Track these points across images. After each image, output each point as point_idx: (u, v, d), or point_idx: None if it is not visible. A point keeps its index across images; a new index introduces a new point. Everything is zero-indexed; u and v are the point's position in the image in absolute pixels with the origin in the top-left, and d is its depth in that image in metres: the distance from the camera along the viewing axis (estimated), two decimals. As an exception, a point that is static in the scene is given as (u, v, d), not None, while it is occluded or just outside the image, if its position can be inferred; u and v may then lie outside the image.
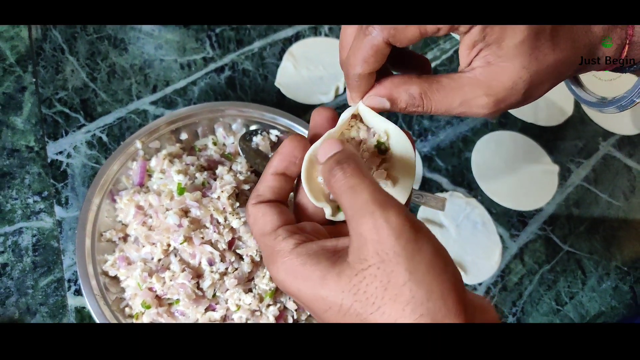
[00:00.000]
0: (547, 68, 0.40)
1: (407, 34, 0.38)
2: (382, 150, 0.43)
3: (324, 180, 0.38)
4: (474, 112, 0.41)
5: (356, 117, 0.43)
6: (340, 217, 0.42)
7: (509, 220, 0.85)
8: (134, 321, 0.63)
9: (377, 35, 0.38)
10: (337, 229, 0.42)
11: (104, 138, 0.80)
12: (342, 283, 0.33)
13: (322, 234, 0.40)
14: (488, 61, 0.39)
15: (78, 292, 0.69)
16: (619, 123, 0.96)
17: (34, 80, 0.83)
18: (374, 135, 0.43)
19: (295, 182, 0.43)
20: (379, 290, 0.32)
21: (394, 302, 0.32)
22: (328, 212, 0.41)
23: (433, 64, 0.95)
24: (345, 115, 0.42)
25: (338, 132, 0.42)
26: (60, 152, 0.78)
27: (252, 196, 0.41)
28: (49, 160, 0.77)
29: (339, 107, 0.87)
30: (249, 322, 0.64)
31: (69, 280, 0.70)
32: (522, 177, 0.89)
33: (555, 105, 0.95)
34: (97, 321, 0.61)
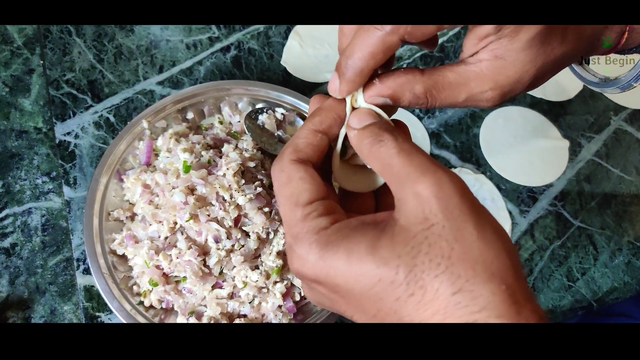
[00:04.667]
0: (552, 61, 0.39)
1: (425, 30, 0.36)
2: None
3: (362, 146, 0.36)
4: (477, 105, 0.40)
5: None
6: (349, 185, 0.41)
7: (518, 196, 0.84)
8: (142, 299, 0.64)
9: (391, 31, 0.35)
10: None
11: (111, 118, 0.80)
12: (397, 247, 0.31)
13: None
14: (496, 55, 0.38)
15: (87, 271, 0.70)
16: (631, 97, 0.94)
17: (42, 62, 0.83)
18: None
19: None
20: (444, 249, 0.30)
21: (464, 260, 0.29)
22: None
23: (439, 40, 0.94)
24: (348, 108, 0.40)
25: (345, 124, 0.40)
26: (68, 133, 0.78)
27: (288, 150, 0.37)
28: (57, 141, 0.77)
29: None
30: (256, 299, 0.64)
31: (77, 260, 0.71)
32: (531, 152, 0.88)
33: (564, 79, 0.93)
34: (105, 299, 0.62)
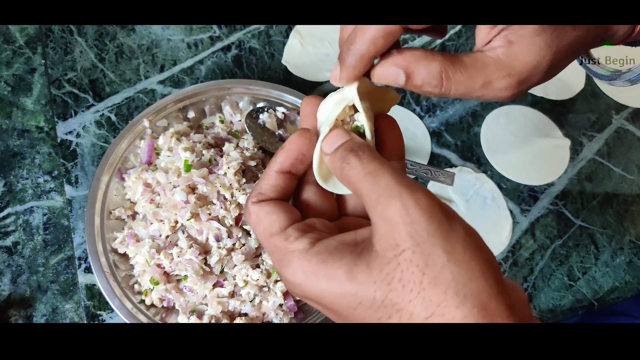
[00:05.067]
0: (567, 45, 0.38)
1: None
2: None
3: (334, 170, 0.36)
4: (494, 95, 0.39)
5: (351, 107, 0.40)
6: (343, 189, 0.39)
7: (519, 195, 0.84)
8: (143, 298, 0.64)
9: None
10: (344, 223, 0.39)
11: (113, 118, 0.80)
12: (374, 274, 0.31)
13: (333, 230, 0.37)
14: (509, 40, 0.37)
15: (88, 270, 0.70)
16: (633, 96, 0.94)
17: (44, 61, 0.83)
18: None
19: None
20: (416, 275, 0.30)
21: (435, 285, 0.29)
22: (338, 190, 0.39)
23: (440, 39, 0.94)
24: (338, 106, 0.39)
25: (332, 124, 0.39)
26: (70, 132, 0.78)
27: (252, 194, 0.38)
28: (58, 140, 0.77)
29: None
30: (256, 297, 0.64)
31: (79, 258, 0.71)
32: (532, 151, 0.88)
33: (566, 78, 0.93)
34: (107, 297, 0.62)
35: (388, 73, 0.38)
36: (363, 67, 0.38)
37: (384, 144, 0.41)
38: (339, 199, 0.41)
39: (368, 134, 0.39)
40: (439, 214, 0.31)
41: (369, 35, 0.36)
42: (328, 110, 0.40)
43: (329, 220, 0.39)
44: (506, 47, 0.37)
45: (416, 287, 0.30)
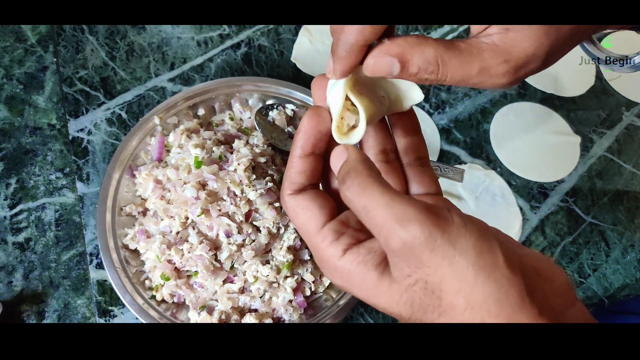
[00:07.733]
0: (566, 33, 0.38)
1: None
2: None
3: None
4: (492, 82, 0.38)
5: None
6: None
7: (529, 192, 0.84)
8: (154, 293, 0.64)
9: None
10: None
11: (124, 115, 0.81)
12: (395, 296, 0.32)
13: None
14: (506, 27, 0.36)
15: (100, 266, 0.71)
16: (644, 92, 0.94)
17: (55, 59, 0.84)
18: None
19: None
20: (434, 300, 0.31)
21: (453, 307, 0.30)
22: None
23: (449, 37, 0.94)
24: (338, 101, 0.38)
25: (337, 121, 0.38)
26: (81, 130, 0.79)
27: (284, 185, 0.38)
28: (70, 138, 0.78)
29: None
30: (266, 293, 0.65)
31: (90, 254, 0.72)
32: (542, 148, 0.87)
33: (576, 75, 0.93)
34: (118, 293, 0.62)
35: (381, 63, 0.37)
36: (355, 58, 0.37)
37: (393, 124, 0.41)
38: None
39: (362, 126, 0.38)
40: (439, 237, 0.30)
41: (355, 24, 0.35)
42: (330, 99, 0.39)
43: None
44: (502, 33, 0.36)
45: (437, 309, 0.31)
